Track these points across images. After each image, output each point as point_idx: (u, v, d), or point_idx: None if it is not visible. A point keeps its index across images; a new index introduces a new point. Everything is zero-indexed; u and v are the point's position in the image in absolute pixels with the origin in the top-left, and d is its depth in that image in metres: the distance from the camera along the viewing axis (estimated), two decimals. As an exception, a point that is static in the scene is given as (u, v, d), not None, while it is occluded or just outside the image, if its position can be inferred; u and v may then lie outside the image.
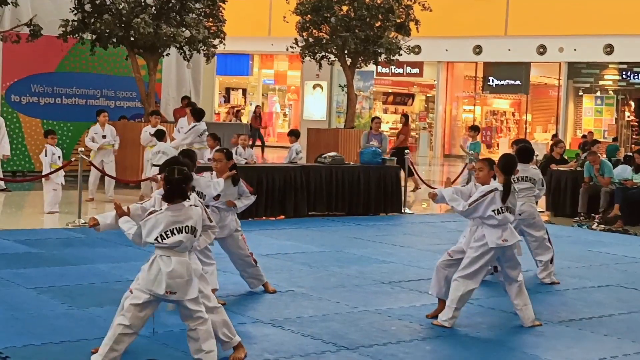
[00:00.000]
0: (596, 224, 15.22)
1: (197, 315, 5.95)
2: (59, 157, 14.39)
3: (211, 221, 6.44)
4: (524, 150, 9.86)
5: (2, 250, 10.50)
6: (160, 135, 15.14)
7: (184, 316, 6.00)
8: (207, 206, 8.23)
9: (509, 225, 7.60)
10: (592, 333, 7.65)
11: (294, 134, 16.55)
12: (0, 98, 18.96)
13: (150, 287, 5.83)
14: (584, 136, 28.65)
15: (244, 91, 43.66)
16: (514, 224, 7.98)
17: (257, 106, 31.91)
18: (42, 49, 19.14)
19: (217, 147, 10.39)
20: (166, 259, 5.82)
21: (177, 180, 5.88)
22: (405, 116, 23.09)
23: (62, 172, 14.21)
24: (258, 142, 30.69)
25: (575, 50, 32.79)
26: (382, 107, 39.48)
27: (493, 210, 7.49)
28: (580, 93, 34.69)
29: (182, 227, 5.82)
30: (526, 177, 9.72)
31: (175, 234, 5.80)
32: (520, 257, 8.21)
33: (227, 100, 43.27)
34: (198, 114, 16.40)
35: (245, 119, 37.51)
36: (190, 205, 5.92)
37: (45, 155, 14.28)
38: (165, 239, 5.78)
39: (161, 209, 5.91)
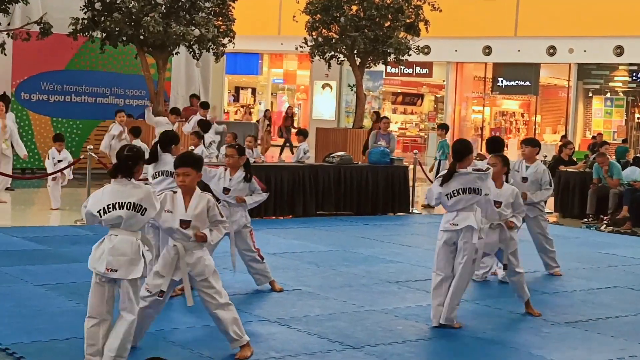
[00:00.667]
0: (604, 226, 15.20)
1: (125, 305, 5.76)
2: (59, 160, 14.44)
3: (222, 216, 6.41)
4: (492, 141, 9.92)
5: (10, 247, 10.54)
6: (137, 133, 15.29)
7: (121, 301, 5.81)
8: (218, 200, 8.31)
9: (468, 213, 7.40)
10: (599, 334, 7.64)
11: (302, 134, 16.59)
12: (11, 96, 18.99)
13: (95, 265, 5.75)
14: (593, 137, 28.60)
15: (254, 90, 43.68)
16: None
17: (288, 107, 32.00)
18: (52, 47, 19.23)
19: (230, 143, 10.47)
20: (113, 237, 5.74)
21: (125, 156, 5.84)
22: (376, 113, 23.30)
23: (67, 173, 14.36)
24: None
25: (585, 51, 32.71)
26: (391, 107, 39.45)
27: (445, 195, 7.42)
28: (590, 94, 34.59)
29: (124, 202, 5.71)
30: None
31: (115, 209, 5.71)
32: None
33: (236, 99, 43.30)
34: (204, 126, 16.53)
35: (255, 118, 37.56)
36: (140, 183, 5.86)
37: (48, 159, 14.51)
38: (105, 214, 5.71)
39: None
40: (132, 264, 5.73)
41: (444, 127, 18.94)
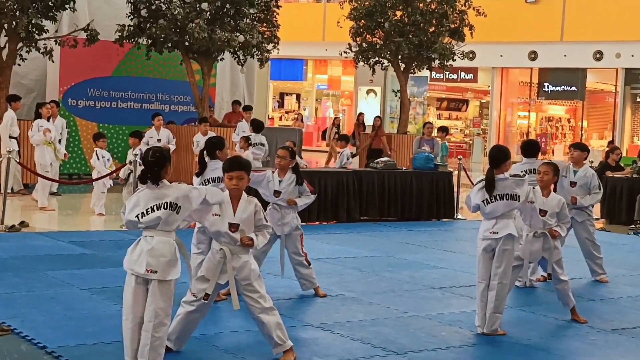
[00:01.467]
0: (654, 233, 15.01)
1: (157, 311, 5.68)
2: (108, 159, 14.53)
3: (267, 221, 6.41)
4: (526, 145, 9.81)
5: (57, 252, 10.67)
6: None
7: (148, 302, 5.73)
8: (268, 203, 8.36)
9: (507, 221, 7.34)
10: (646, 342, 7.54)
11: (344, 139, 16.60)
12: (58, 102, 19.21)
13: (133, 266, 5.73)
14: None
15: (298, 96, 43.80)
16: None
17: (360, 113, 31.87)
18: (99, 54, 19.42)
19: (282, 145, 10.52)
20: (149, 238, 5.73)
21: (150, 162, 5.80)
22: (379, 118, 23.35)
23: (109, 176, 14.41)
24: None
25: (632, 56, 32.35)
26: (435, 112, 39.33)
27: (482, 201, 7.36)
28: (638, 99, 34.23)
29: (161, 203, 5.72)
30: (533, 170, 9.68)
31: (154, 211, 5.71)
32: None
33: (281, 105, 43.46)
34: (256, 126, 16.62)
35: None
36: (174, 183, 5.85)
37: (99, 159, 14.38)
38: (144, 216, 5.71)
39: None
40: (171, 265, 5.74)
41: (444, 130, 18.92)
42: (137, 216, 5.73)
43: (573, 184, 10.05)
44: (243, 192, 6.36)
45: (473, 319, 7.81)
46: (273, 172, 8.62)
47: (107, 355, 6.36)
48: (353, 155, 20.98)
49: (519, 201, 7.38)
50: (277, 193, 8.51)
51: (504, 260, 7.34)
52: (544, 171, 8.09)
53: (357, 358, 6.58)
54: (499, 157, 7.45)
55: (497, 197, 7.33)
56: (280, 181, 8.55)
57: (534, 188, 7.97)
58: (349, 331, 7.34)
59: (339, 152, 16.31)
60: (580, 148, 10.42)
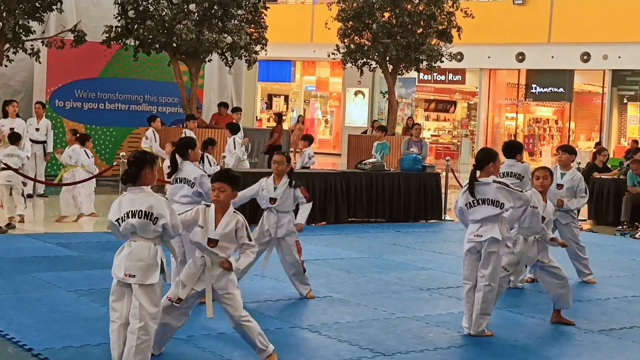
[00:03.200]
0: (639, 233, 15.04)
1: (142, 313, 5.71)
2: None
3: (250, 240, 6.26)
4: (507, 145, 9.79)
5: (44, 253, 10.63)
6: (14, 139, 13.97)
7: (132, 306, 5.77)
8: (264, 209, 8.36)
9: (492, 225, 7.31)
10: (633, 343, 7.55)
11: (306, 139, 16.71)
12: (45, 103, 19.16)
13: (115, 270, 5.79)
14: (635, 141, 28.38)
15: (286, 97, 43.79)
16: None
17: (409, 117, 31.88)
18: (86, 55, 19.37)
19: (278, 151, 10.53)
20: (132, 242, 5.78)
21: (128, 162, 5.89)
22: (278, 115, 23.46)
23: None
24: None
25: (619, 57, 32.47)
26: (423, 114, 39.37)
27: (466, 204, 7.38)
28: (625, 101, 34.34)
29: (136, 211, 5.73)
30: (511, 172, 9.67)
31: (129, 218, 5.74)
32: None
33: (269, 106, 43.44)
34: (232, 128, 16.54)
35: (287, 126, 37.60)
36: (152, 192, 5.84)
37: (89, 158, 14.25)
38: (122, 222, 5.76)
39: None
40: (150, 269, 5.75)
41: (382, 129, 18.92)
42: (117, 220, 5.77)
43: (560, 186, 10.07)
44: (231, 206, 6.25)
45: (461, 320, 7.81)
46: (267, 179, 8.58)
47: (93, 357, 6.33)
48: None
49: (501, 208, 7.31)
50: (272, 200, 8.47)
51: (490, 264, 7.33)
52: (543, 176, 8.03)
53: (344, 359, 6.57)
54: (484, 159, 7.44)
55: (480, 201, 7.32)
56: (275, 187, 8.51)
57: (534, 191, 7.94)
58: (336, 333, 7.33)
59: (300, 151, 16.37)
60: (568, 151, 10.44)
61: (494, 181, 7.36)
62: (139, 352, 5.68)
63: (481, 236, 7.32)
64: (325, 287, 9.25)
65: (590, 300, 9.31)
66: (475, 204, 7.33)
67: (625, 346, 7.45)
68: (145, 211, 5.72)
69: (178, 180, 8.30)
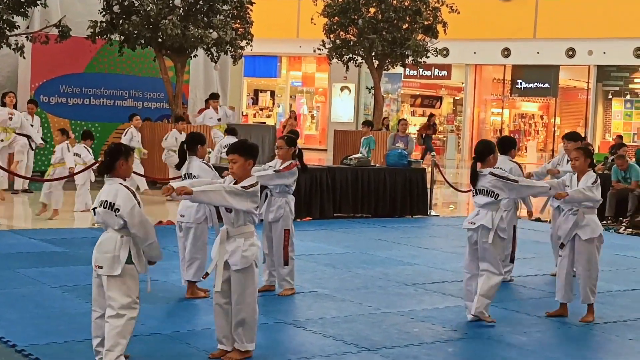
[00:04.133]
0: (624, 228, 15.11)
1: (111, 304, 5.82)
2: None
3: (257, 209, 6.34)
4: (501, 141, 9.84)
5: (29, 249, 10.60)
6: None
7: (107, 299, 5.87)
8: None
9: (488, 212, 7.59)
10: (617, 337, 7.59)
11: (230, 132, 16.66)
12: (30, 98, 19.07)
13: (92, 261, 5.95)
14: (619, 137, 28.50)
15: (272, 93, 43.74)
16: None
17: (431, 114, 31.66)
18: (71, 50, 19.28)
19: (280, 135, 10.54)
20: (105, 234, 5.93)
21: (105, 153, 6.01)
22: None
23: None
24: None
25: (604, 53, 32.58)
26: (409, 109, 39.40)
27: (473, 190, 7.82)
28: (610, 96, 34.44)
29: (102, 201, 5.88)
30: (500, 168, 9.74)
31: (98, 208, 5.89)
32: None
33: (255, 102, 43.38)
34: (230, 132, 16.55)
35: (273, 121, 37.61)
36: (121, 185, 5.90)
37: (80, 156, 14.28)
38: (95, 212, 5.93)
39: None
40: (115, 261, 5.83)
41: (368, 124, 18.94)
42: (94, 209, 5.96)
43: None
44: (251, 176, 6.24)
45: (446, 315, 7.88)
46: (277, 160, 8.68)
47: (78, 353, 6.32)
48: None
49: (496, 199, 7.60)
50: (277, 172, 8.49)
51: (486, 253, 7.61)
52: (575, 157, 8.20)
53: (329, 355, 6.58)
54: (484, 151, 7.79)
55: (478, 191, 7.68)
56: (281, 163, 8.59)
57: (572, 172, 8.17)
58: (321, 328, 7.34)
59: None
60: (573, 139, 10.13)
61: (490, 173, 7.64)
62: (110, 338, 5.78)
63: (474, 223, 7.64)
64: (310, 282, 9.26)
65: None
66: (476, 193, 7.72)
67: (609, 340, 7.49)
68: (110, 202, 5.84)
69: (186, 176, 8.27)
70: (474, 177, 7.69)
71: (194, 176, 8.18)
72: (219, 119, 19.25)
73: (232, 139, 15.80)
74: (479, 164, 7.77)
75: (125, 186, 5.89)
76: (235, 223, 6.20)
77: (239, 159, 6.21)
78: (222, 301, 6.23)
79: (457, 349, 6.99)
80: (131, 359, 6.08)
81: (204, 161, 8.41)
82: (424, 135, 29.24)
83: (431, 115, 31.30)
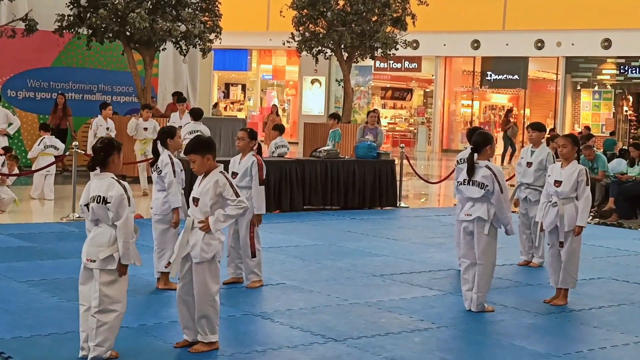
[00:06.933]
0: (591, 217, 15.22)
1: (101, 297, 5.84)
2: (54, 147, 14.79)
3: (237, 196, 6.36)
4: (472, 132, 9.89)
5: (-5, 244, 10.53)
6: None
7: (93, 290, 5.90)
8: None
9: (482, 204, 7.70)
10: (582, 325, 7.68)
11: (277, 129, 16.52)
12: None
13: (82, 255, 5.96)
14: (587, 128, 28.80)
15: (243, 86, 43.67)
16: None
17: (509, 110, 31.69)
18: (38, 44, 19.18)
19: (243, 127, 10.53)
20: (98, 228, 5.94)
21: (97, 149, 6.00)
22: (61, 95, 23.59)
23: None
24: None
25: (573, 44, 32.80)
26: (380, 102, 39.48)
27: (458, 181, 7.91)
28: (578, 87, 34.71)
29: (95, 196, 5.89)
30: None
31: (92, 203, 5.89)
32: None
33: (226, 95, 43.30)
34: (195, 114, 16.27)
35: (243, 115, 37.52)
36: (113, 179, 5.92)
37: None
38: (89, 208, 5.91)
39: None
40: (110, 255, 5.87)
41: (335, 117, 19.01)
42: (85, 205, 5.94)
43: (529, 164, 10.15)
44: (215, 170, 6.35)
45: (413, 305, 7.94)
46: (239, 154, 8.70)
47: (43, 347, 6.30)
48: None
49: (487, 192, 7.67)
50: (234, 175, 8.49)
51: (481, 243, 7.75)
52: (562, 144, 8.40)
53: (296, 345, 6.60)
54: (480, 142, 7.89)
55: (472, 182, 7.74)
56: (239, 162, 8.60)
57: (555, 160, 8.48)
58: (288, 319, 7.36)
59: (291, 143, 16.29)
60: (538, 129, 10.46)
61: (487, 166, 7.77)
62: (98, 334, 5.82)
63: (470, 215, 7.75)
64: (278, 274, 9.27)
65: (541, 284, 9.37)
66: (470, 184, 7.76)
67: (574, 328, 7.58)
68: (103, 196, 5.87)
69: (156, 170, 8.30)
70: (471, 169, 7.73)
71: (160, 170, 8.20)
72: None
73: (198, 126, 15.62)
74: (475, 155, 7.81)
75: (117, 180, 5.94)
76: (202, 216, 6.25)
77: (197, 157, 6.35)
78: (183, 292, 6.30)
79: (423, 339, 7.02)
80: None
81: (171, 154, 8.39)
82: (508, 132, 29.77)
83: (509, 111, 31.38)
